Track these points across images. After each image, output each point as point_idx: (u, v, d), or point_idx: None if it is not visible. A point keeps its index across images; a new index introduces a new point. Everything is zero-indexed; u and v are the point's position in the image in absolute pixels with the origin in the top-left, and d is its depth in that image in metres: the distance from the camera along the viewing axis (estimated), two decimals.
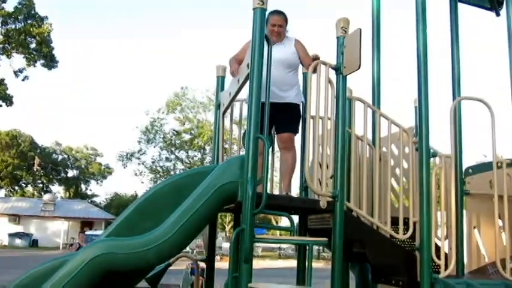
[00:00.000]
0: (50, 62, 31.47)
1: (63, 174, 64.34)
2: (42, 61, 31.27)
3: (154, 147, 43.15)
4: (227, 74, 5.39)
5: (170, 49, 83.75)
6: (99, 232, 30.30)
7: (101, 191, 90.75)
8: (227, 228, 42.00)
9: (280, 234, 23.19)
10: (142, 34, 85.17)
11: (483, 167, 4.86)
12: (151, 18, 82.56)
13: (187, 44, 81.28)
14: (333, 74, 4.17)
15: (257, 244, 30.20)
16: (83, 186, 66.49)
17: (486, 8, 5.45)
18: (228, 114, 5.19)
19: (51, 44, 31.21)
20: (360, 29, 3.93)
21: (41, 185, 62.84)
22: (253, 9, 3.85)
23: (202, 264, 5.22)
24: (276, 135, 4.74)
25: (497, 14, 5.35)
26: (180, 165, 42.78)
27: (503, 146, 4.68)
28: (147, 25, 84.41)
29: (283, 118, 4.60)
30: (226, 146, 5.48)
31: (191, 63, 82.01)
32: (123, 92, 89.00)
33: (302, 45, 4.75)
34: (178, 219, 3.55)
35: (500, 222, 4.41)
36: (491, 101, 4.41)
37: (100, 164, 65.53)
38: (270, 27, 4.68)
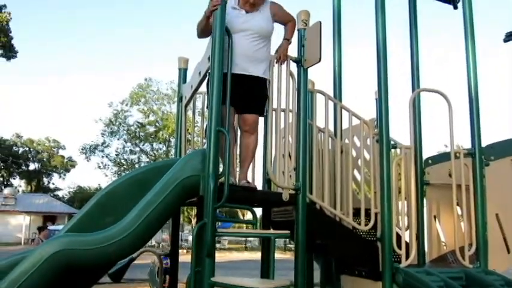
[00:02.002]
0: (9, 52, 30.47)
1: (24, 168, 62.68)
2: (0, 51, 30.26)
3: (118, 139, 42.67)
4: (189, 66, 5.34)
5: (135, 38, 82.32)
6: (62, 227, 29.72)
7: (64, 184, 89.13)
8: (193, 222, 41.86)
9: (246, 227, 23.28)
10: (106, 23, 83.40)
11: (442, 158, 4.94)
12: (116, 7, 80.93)
13: (153, 34, 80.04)
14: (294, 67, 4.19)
15: (223, 237, 30.19)
16: (45, 180, 64.99)
17: (444, 1, 5.53)
18: (190, 106, 5.15)
19: (10, 34, 30.22)
20: (320, 22, 3.94)
21: (1, 179, 61.19)
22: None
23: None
24: (238, 115, 4.30)
25: (455, 7, 5.43)
26: (144, 158, 42.37)
27: (462, 136, 4.75)
28: (111, 14, 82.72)
29: (250, 95, 4.16)
30: (190, 138, 5.43)
31: (156, 54, 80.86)
32: (86, 83, 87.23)
33: (278, 5, 4.35)
34: (139, 214, 3.49)
35: (459, 211, 4.52)
36: (451, 93, 4.47)
37: (63, 156, 64.07)
38: None
